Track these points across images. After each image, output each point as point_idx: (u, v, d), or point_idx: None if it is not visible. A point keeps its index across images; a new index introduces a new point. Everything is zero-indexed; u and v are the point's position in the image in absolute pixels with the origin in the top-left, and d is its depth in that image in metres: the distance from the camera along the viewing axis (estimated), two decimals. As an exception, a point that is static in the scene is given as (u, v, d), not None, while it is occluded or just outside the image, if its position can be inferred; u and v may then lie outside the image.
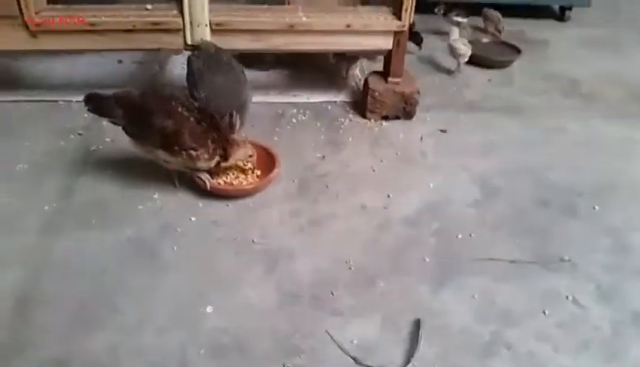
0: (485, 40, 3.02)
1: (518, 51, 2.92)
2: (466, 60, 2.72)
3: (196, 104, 1.88)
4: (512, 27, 3.31)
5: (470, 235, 1.79)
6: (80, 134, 2.11)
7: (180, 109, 1.73)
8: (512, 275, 1.66)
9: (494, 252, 1.73)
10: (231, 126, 1.87)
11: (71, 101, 2.30)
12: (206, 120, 1.76)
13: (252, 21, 2.11)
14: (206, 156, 1.76)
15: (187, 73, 2.03)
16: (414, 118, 2.37)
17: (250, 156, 1.86)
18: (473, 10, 3.12)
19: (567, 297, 1.60)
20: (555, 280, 1.65)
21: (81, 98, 2.23)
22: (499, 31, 3.08)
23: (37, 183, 1.85)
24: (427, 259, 1.69)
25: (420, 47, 2.90)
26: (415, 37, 2.81)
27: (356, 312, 1.51)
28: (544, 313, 1.54)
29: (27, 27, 1.98)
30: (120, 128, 1.77)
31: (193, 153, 1.73)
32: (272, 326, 1.45)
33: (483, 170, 2.09)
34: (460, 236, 1.79)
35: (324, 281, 1.59)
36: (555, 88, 2.71)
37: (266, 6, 2.18)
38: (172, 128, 1.70)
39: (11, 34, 1.99)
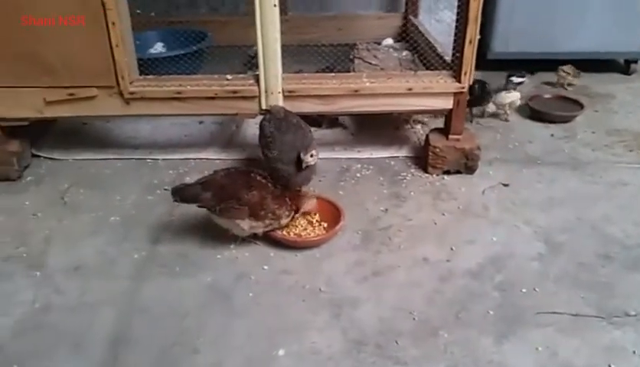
0: (547, 95, 3.07)
1: (581, 106, 2.96)
2: (515, 104, 2.86)
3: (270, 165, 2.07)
4: (575, 82, 3.36)
5: (534, 289, 1.82)
6: (165, 189, 2.31)
7: (259, 178, 1.94)
8: (576, 329, 1.67)
9: (558, 306, 1.75)
10: (304, 162, 2.01)
11: (157, 159, 2.54)
12: (279, 183, 1.97)
13: (320, 88, 2.29)
14: (286, 213, 1.95)
15: (260, 136, 2.21)
16: (476, 173, 2.45)
17: (315, 204, 2.04)
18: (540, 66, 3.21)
19: (634, 352, 1.59)
20: (620, 334, 1.65)
21: (166, 156, 2.54)
22: (568, 85, 3.16)
23: (128, 233, 2.05)
24: (491, 312, 1.74)
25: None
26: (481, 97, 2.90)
27: (419, 362, 1.57)
28: (609, 367, 1.54)
29: (121, 95, 2.24)
30: (207, 209, 1.92)
31: (277, 213, 1.92)
32: (339, 371, 1.53)
33: (546, 224, 2.13)
34: (524, 290, 1.82)
35: (388, 330, 1.67)
36: (618, 142, 2.71)
37: (332, 74, 2.35)
38: (258, 197, 1.89)
39: (108, 101, 2.26)
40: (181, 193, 1.89)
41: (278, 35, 2.18)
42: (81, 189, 2.31)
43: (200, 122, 2.85)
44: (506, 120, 2.90)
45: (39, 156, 2.53)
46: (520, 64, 3.38)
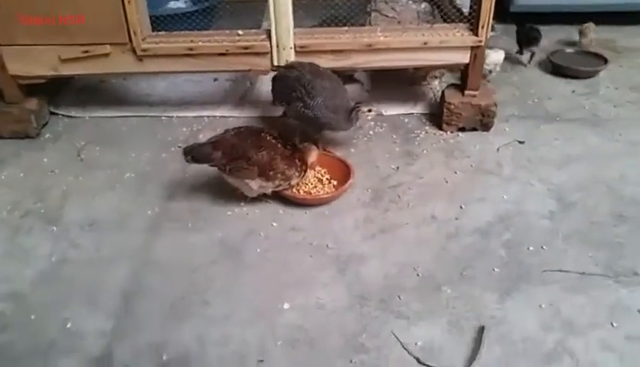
0: (569, 50, 2.97)
1: (605, 60, 2.85)
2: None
3: (308, 112, 2.13)
4: (603, 35, 3.24)
5: (542, 247, 1.82)
6: (179, 146, 2.34)
7: (269, 138, 1.94)
8: (582, 287, 1.67)
9: (565, 264, 1.75)
10: (356, 120, 2.14)
11: (172, 116, 2.56)
12: (288, 143, 1.97)
13: (333, 43, 2.26)
14: (296, 173, 1.97)
15: (290, 86, 2.17)
16: (492, 130, 2.41)
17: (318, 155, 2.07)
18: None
19: (639, 311, 1.59)
20: (626, 293, 1.64)
21: (181, 114, 2.56)
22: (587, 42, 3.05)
23: (142, 190, 2.10)
24: (496, 269, 1.74)
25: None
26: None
27: (421, 316, 1.60)
28: (612, 324, 1.54)
29: (134, 52, 2.25)
30: (217, 168, 1.95)
31: (286, 173, 1.93)
32: (341, 325, 1.57)
33: (560, 182, 2.10)
34: (531, 248, 1.82)
35: (392, 286, 1.69)
36: (642, 98, 2.63)
37: (345, 28, 2.31)
38: (267, 158, 1.90)
39: (121, 58, 2.27)
40: (193, 153, 1.91)
41: (289, -10, 2.15)
42: (97, 147, 2.35)
43: (215, 79, 2.85)
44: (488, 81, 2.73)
45: (57, 114, 2.57)
46: (545, 17, 3.27)
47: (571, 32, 3.29)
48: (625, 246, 1.81)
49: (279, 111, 2.42)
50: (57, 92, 2.66)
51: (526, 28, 2.97)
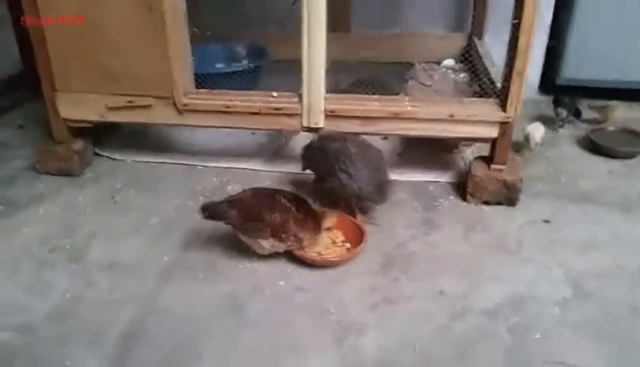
0: (611, 128, 2.90)
1: (647, 142, 2.77)
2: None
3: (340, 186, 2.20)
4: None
5: (548, 336, 1.75)
6: (206, 196, 2.44)
7: (283, 201, 2.00)
8: (585, 385, 1.59)
9: (570, 357, 1.67)
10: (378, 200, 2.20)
11: (206, 166, 2.68)
12: (303, 206, 2.03)
13: (361, 109, 2.32)
14: (308, 237, 2.01)
15: (332, 157, 2.22)
16: (518, 206, 2.36)
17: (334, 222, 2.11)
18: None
19: (642, 418, 1.49)
20: (632, 397, 1.55)
21: (214, 164, 2.68)
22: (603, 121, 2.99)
23: (163, 236, 2.20)
24: (497, 355, 1.69)
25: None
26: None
27: (411, 396, 1.57)
28: None
29: (175, 106, 2.40)
30: (231, 226, 2.02)
31: (299, 236, 1.98)
32: (327, 396, 1.56)
33: (579, 268, 2.02)
34: (537, 336, 1.75)
35: (388, 362, 1.67)
36: (683, 185, 2.51)
37: (375, 96, 2.37)
38: (280, 220, 1.95)
39: (164, 111, 2.43)
40: (210, 210, 1.99)
41: (324, 55, 2.24)
42: (131, 190, 2.49)
43: (253, 133, 2.96)
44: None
45: (102, 155, 2.75)
46: (593, 92, 3.22)
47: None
48: (636, 343, 1.71)
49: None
50: (106, 134, 2.85)
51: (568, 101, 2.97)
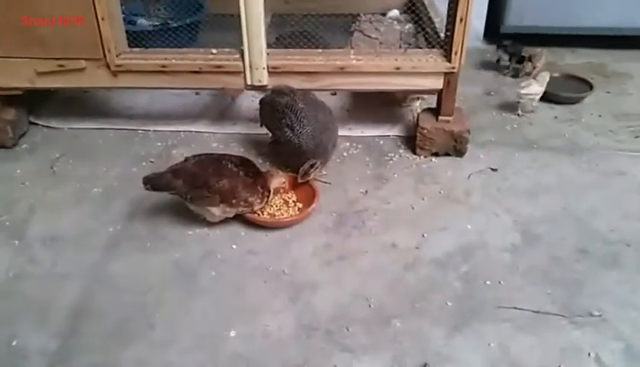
0: (555, 74, 2.93)
1: (590, 86, 2.81)
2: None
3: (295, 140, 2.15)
4: (592, 59, 3.20)
5: (499, 282, 1.79)
6: (151, 161, 2.35)
7: (230, 166, 1.94)
8: (534, 326, 1.64)
9: (521, 301, 1.72)
10: (306, 173, 2.08)
11: (148, 130, 2.57)
12: (250, 169, 1.98)
13: (305, 64, 2.25)
14: (258, 200, 1.97)
15: (280, 111, 2.18)
16: (466, 156, 2.38)
17: (284, 183, 2.06)
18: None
19: (589, 354, 1.55)
20: (579, 335, 1.61)
21: (157, 128, 2.57)
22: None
23: (106, 206, 2.11)
24: (449, 303, 1.72)
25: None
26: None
27: (366, 350, 1.58)
28: (559, 368, 1.52)
29: (109, 67, 2.27)
30: (178, 196, 1.95)
31: (249, 200, 1.94)
32: (284, 356, 1.56)
33: (527, 214, 2.06)
34: (488, 282, 1.79)
35: (342, 317, 1.68)
36: (625, 127, 2.58)
37: (319, 50, 2.31)
38: (228, 186, 1.90)
39: (96, 73, 2.29)
40: (153, 182, 1.92)
41: (261, 9, 2.15)
42: (70, 159, 2.37)
43: (197, 93, 2.85)
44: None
45: (37, 124, 2.60)
46: (535, 39, 3.24)
47: (562, 55, 3.27)
48: (584, 284, 1.78)
49: (256, 128, 2.43)
50: (39, 101, 2.68)
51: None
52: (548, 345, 1.59)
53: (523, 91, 2.63)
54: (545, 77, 2.70)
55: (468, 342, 1.59)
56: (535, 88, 2.65)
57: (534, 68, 2.99)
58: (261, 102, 2.32)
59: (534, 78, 2.75)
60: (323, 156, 2.19)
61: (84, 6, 2.13)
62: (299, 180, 2.09)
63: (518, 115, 2.68)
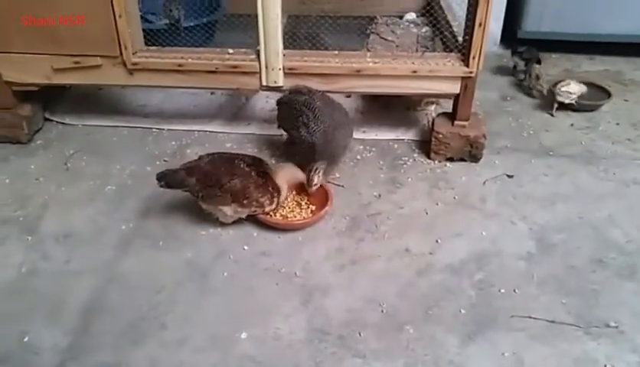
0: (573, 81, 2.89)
1: (608, 94, 2.78)
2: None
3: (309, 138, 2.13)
4: (609, 67, 3.17)
5: (514, 291, 1.77)
6: (165, 160, 2.35)
7: (242, 166, 1.94)
8: (549, 336, 1.62)
9: (536, 310, 1.69)
10: (309, 180, 2.04)
11: (163, 129, 2.57)
12: (262, 169, 1.97)
13: (322, 66, 2.24)
14: (268, 201, 1.96)
15: (297, 109, 2.16)
16: (481, 161, 2.36)
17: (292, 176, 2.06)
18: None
19: (605, 366, 1.53)
20: (595, 346, 1.58)
21: (172, 127, 2.57)
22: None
23: (120, 204, 2.11)
24: (462, 311, 1.70)
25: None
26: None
27: (378, 356, 1.56)
28: (573, 380, 1.49)
29: (125, 65, 2.27)
30: (191, 194, 1.95)
31: (260, 201, 1.93)
32: (295, 360, 1.54)
33: (543, 222, 2.04)
34: (502, 290, 1.77)
35: (354, 321, 1.66)
36: (643, 136, 2.55)
37: (336, 52, 2.30)
38: (240, 186, 1.89)
39: (112, 71, 2.29)
40: (166, 179, 1.92)
41: (279, 10, 2.14)
42: (85, 156, 2.37)
43: (212, 93, 2.85)
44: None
45: (52, 120, 2.60)
46: (553, 44, 3.21)
47: (580, 62, 3.23)
48: (600, 294, 1.75)
49: (270, 129, 2.42)
50: (55, 98, 2.69)
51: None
52: (563, 355, 1.56)
53: (562, 88, 2.64)
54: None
55: (481, 351, 1.57)
56: (574, 86, 2.65)
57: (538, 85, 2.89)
58: (278, 102, 2.31)
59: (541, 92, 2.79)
60: (334, 155, 2.17)
61: (101, 3, 2.14)
62: (309, 191, 2.07)
63: (552, 115, 2.67)
